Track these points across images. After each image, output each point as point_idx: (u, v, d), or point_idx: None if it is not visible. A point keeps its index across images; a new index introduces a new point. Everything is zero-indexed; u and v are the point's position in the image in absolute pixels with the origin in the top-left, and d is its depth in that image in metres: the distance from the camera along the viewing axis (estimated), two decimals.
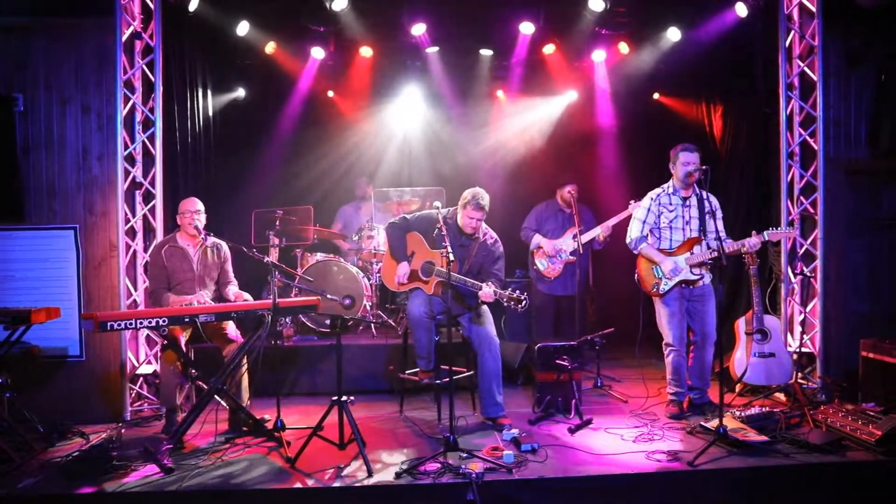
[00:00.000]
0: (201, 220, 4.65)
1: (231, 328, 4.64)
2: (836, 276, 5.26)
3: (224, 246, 4.84)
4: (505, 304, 4.23)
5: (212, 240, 4.71)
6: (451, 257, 3.99)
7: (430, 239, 4.60)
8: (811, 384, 5.16)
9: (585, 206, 5.60)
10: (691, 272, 4.59)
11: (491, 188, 7.69)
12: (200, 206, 4.68)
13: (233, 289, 4.76)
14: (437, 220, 4.37)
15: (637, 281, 4.81)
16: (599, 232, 5.55)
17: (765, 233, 4.52)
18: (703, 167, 4.29)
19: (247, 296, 4.71)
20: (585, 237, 5.55)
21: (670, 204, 4.68)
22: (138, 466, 3.81)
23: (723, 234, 4.49)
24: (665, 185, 4.74)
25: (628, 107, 7.40)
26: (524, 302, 4.18)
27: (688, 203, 4.66)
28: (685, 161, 4.55)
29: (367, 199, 7.20)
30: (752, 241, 4.48)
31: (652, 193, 4.77)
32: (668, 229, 4.68)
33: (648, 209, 4.72)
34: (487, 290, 4.29)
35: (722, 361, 4.34)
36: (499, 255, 4.64)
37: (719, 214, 4.63)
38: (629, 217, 4.98)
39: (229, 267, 4.86)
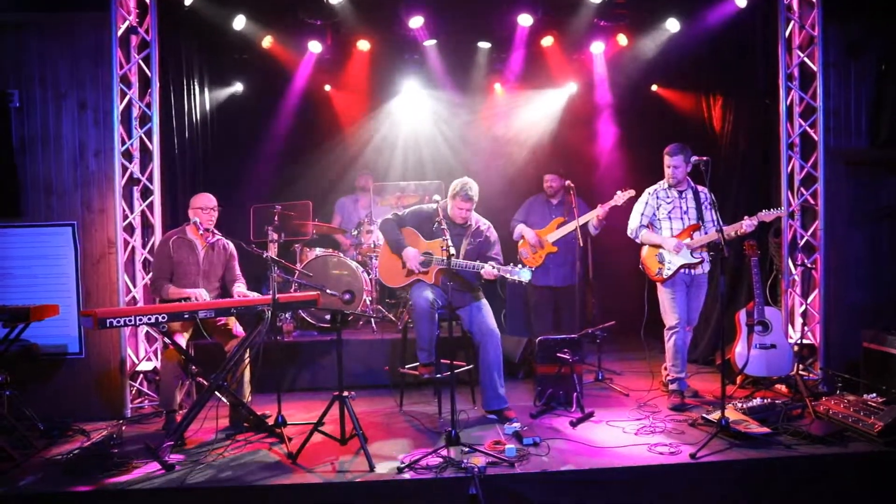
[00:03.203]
0: (215, 217, 4.65)
1: (235, 324, 4.63)
2: (837, 266, 5.25)
3: (230, 244, 4.83)
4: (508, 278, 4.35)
5: (219, 237, 4.71)
6: (451, 245, 4.16)
7: (424, 232, 4.74)
8: (812, 375, 5.17)
9: (580, 198, 5.62)
10: (692, 255, 4.77)
11: (489, 181, 7.77)
12: (215, 202, 4.68)
13: (239, 287, 4.74)
14: (437, 213, 4.56)
15: (641, 268, 4.99)
16: (593, 217, 5.53)
17: (758, 214, 4.66)
18: (704, 158, 4.31)
19: (254, 294, 4.70)
20: (571, 226, 5.56)
21: (668, 197, 4.92)
22: (139, 464, 3.80)
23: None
24: (661, 182, 4.96)
25: (627, 98, 7.38)
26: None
27: (684, 195, 4.91)
28: (665, 164, 4.84)
29: (365, 191, 7.17)
30: (746, 223, 4.65)
31: (650, 189, 4.99)
32: (667, 219, 4.90)
33: (647, 202, 4.97)
34: (489, 269, 4.41)
35: (723, 353, 4.33)
36: (494, 239, 4.80)
37: (715, 205, 4.70)
38: (618, 206, 5.35)
39: (236, 264, 4.85)
